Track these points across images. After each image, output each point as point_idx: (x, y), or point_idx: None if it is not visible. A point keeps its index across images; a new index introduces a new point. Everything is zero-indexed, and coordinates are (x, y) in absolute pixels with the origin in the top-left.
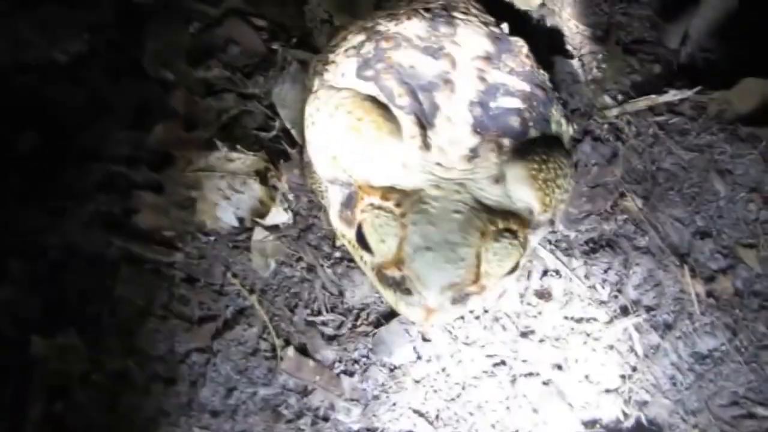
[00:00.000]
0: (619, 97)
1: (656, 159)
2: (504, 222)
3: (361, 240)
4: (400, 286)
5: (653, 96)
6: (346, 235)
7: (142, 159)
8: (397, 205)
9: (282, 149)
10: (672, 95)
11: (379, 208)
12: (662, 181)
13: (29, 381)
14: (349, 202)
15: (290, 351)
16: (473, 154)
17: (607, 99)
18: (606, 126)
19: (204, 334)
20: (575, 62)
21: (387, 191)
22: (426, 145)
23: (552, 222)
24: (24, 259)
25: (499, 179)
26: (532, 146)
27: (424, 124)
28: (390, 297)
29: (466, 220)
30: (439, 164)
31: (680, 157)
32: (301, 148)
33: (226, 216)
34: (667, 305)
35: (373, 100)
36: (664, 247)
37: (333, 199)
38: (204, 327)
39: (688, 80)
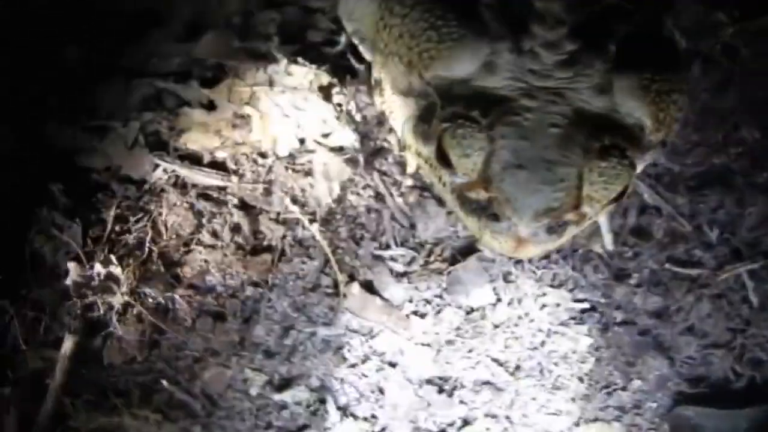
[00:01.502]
0: (736, 13)
1: None
2: (611, 138)
3: (442, 155)
4: (486, 211)
5: None
6: (423, 153)
7: (192, 74)
8: (484, 114)
9: (348, 65)
10: None
11: (464, 117)
12: None
13: (65, 313)
14: (427, 115)
15: (355, 288)
16: (574, 59)
17: (722, 16)
18: (719, 46)
19: (259, 265)
20: None
21: (472, 99)
22: (517, 48)
23: (664, 144)
24: (64, 181)
25: (604, 89)
26: (643, 53)
27: (516, 25)
28: (473, 224)
29: (565, 134)
30: (532, 71)
31: None
32: (369, 64)
33: (286, 136)
34: None
35: None
36: None
37: (407, 113)
38: (259, 258)
39: None
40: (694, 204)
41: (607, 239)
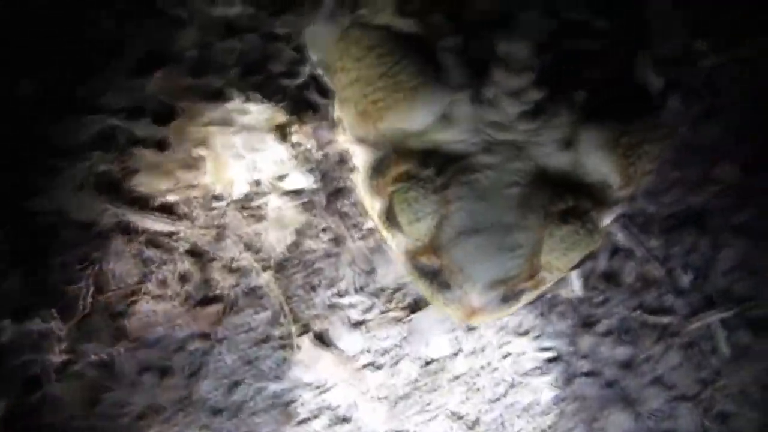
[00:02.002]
0: (718, 41)
1: (761, 119)
2: (574, 199)
3: (392, 217)
4: (438, 278)
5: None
6: (375, 208)
7: (144, 110)
8: (438, 173)
9: (309, 99)
10: None
11: (415, 177)
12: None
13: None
14: (381, 168)
15: (307, 339)
16: (539, 109)
17: (702, 45)
18: (701, 77)
19: (208, 317)
20: None
21: (426, 156)
22: (478, 98)
23: (633, 198)
24: (7, 226)
25: (569, 143)
26: (613, 102)
27: (477, 71)
28: (425, 289)
29: (525, 195)
30: (494, 123)
31: None
32: (333, 98)
33: (240, 178)
34: (764, 297)
35: (414, 40)
36: (766, 226)
37: (361, 162)
38: (207, 309)
39: None
40: (668, 246)
41: (576, 284)
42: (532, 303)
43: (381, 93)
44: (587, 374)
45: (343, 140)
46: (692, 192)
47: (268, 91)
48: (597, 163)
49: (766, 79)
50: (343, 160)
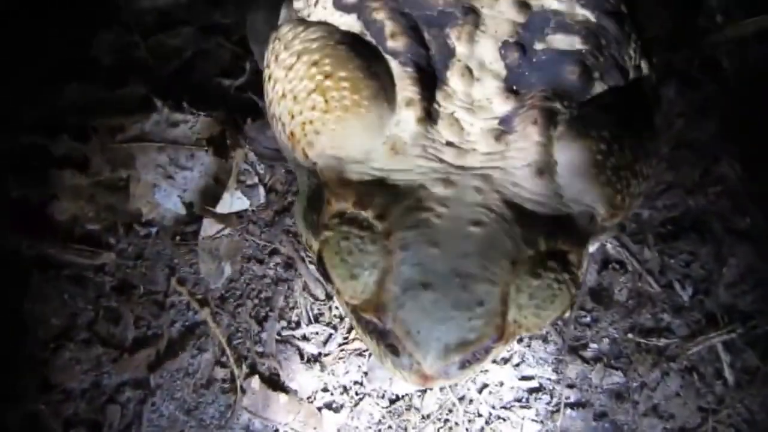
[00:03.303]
0: (719, 17)
1: (763, 110)
2: (549, 241)
3: (322, 268)
4: (384, 339)
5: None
6: (313, 248)
7: (61, 126)
8: (380, 216)
9: (251, 102)
10: None
11: (352, 221)
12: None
13: None
14: (316, 202)
15: (255, 381)
16: (505, 127)
17: (701, 21)
18: (698, 61)
19: (140, 362)
20: None
21: (365, 193)
22: (430, 116)
23: (623, 227)
24: None
25: (544, 169)
26: (596, 112)
27: (430, 80)
28: (372, 348)
29: (489, 238)
30: (450, 145)
31: None
32: None
33: (169, 201)
34: None
35: (354, 42)
36: None
37: (300, 189)
38: (140, 353)
39: None
40: (665, 257)
41: None
42: None
43: (311, 113)
44: (574, 406)
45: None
46: (690, 194)
47: (203, 96)
48: (579, 191)
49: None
50: (290, 172)
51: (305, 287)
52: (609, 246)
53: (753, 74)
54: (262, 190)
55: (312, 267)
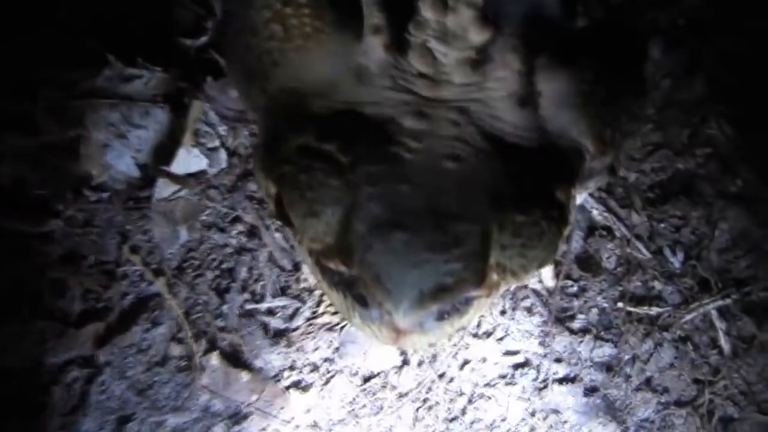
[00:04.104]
0: None
1: (756, 69)
2: (534, 175)
3: (281, 210)
4: (352, 290)
5: None
6: (271, 195)
7: (4, 83)
8: (344, 149)
9: (213, 62)
10: None
11: (312, 154)
12: (763, 100)
13: None
14: (273, 143)
15: (215, 357)
16: (482, 56)
17: None
18: (683, 20)
19: (87, 337)
20: None
21: (328, 125)
22: (400, 45)
23: (613, 170)
24: None
25: (526, 100)
26: (581, 43)
27: (399, 8)
28: (337, 304)
29: (466, 172)
30: (423, 76)
31: None
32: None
33: (121, 163)
34: (766, 279)
35: None
36: (765, 194)
37: (259, 136)
38: (88, 328)
39: None
40: (654, 222)
41: (546, 272)
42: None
43: (269, 43)
44: (563, 381)
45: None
46: (679, 156)
47: (160, 54)
48: (563, 124)
49: (755, 25)
50: (255, 135)
51: (270, 258)
52: (595, 212)
53: (739, 33)
54: (223, 154)
55: (278, 236)
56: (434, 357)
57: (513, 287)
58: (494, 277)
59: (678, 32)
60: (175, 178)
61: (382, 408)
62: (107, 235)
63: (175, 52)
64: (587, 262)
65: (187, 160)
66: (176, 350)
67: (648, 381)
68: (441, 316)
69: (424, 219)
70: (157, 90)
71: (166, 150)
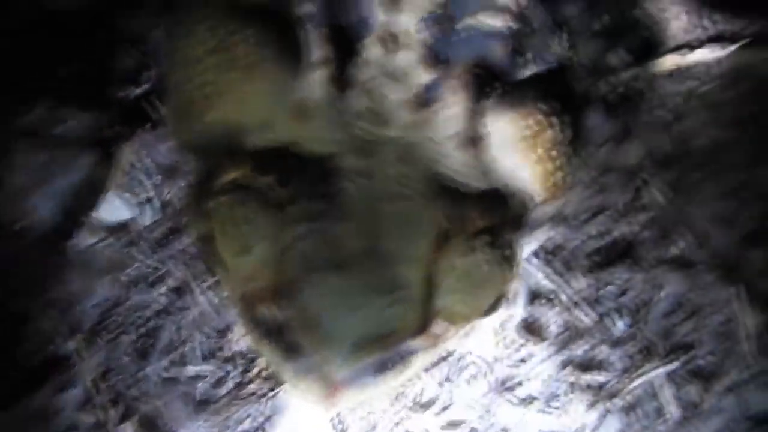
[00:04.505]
0: (628, 57)
1: (687, 136)
2: (480, 217)
3: (210, 248)
4: (281, 337)
5: (679, 54)
6: (201, 235)
7: None
8: (281, 183)
9: (150, 111)
10: (705, 53)
11: (246, 188)
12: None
13: None
14: (205, 180)
15: (131, 426)
16: (428, 96)
17: (614, 59)
18: (621, 90)
19: None
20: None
21: (265, 159)
22: (343, 81)
23: (561, 217)
24: None
25: (473, 141)
26: (527, 89)
27: (345, 45)
28: (267, 354)
29: (409, 213)
30: (367, 113)
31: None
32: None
33: (44, 206)
34: (710, 343)
35: (260, 8)
36: (704, 258)
37: (193, 174)
38: None
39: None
40: (597, 287)
41: (488, 338)
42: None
43: (210, 74)
44: None
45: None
46: (618, 222)
47: (98, 98)
48: (511, 167)
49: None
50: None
51: (200, 318)
52: (539, 276)
53: (671, 106)
54: (157, 205)
55: (210, 295)
56: (372, 429)
57: (454, 346)
58: (438, 324)
59: (615, 100)
60: (98, 227)
61: None
62: (21, 284)
63: (113, 97)
64: (531, 328)
65: (116, 208)
66: (86, 418)
67: None
68: (381, 368)
69: (363, 261)
70: (89, 134)
71: (91, 197)
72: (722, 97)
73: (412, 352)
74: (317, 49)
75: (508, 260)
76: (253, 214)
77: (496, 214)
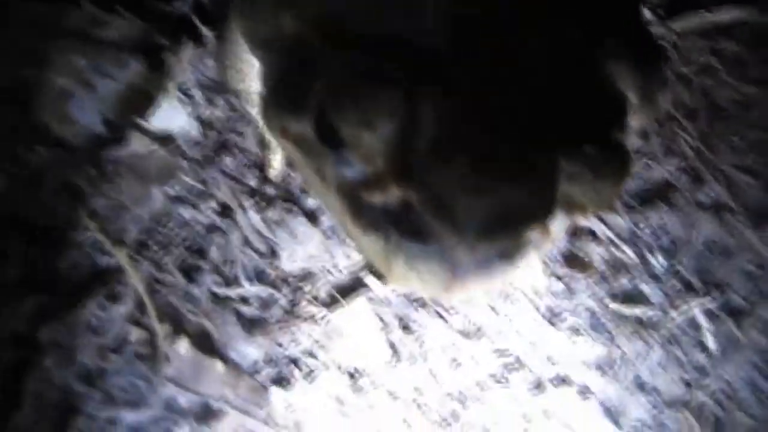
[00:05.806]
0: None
1: (712, 93)
2: (598, 112)
3: (326, 128)
4: (399, 224)
5: (703, 13)
6: (292, 130)
7: None
8: (406, 66)
9: (192, 28)
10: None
11: (369, 69)
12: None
13: None
14: (300, 75)
15: (183, 345)
16: None
17: (647, 13)
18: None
19: (25, 312)
20: None
21: (384, 46)
22: None
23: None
24: None
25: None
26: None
27: None
28: (376, 247)
29: (537, 99)
30: None
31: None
32: (223, 29)
33: (86, 115)
34: (742, 284)
35: None
36: (732, 204)
37: (268, 77)
38: (27, 302)
39: None
40: (635, 225)
41: (535, 270)
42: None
43: None
44: (555, 382)
45: (237, 79)
46: (655, 164)
47: (141, 7)
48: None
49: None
50: (233, 109)
51: (245, 240)
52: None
53: (694, 63)
54: (197, 125)
55: (254, 217)
56: (424, 356)
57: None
58: (558, 213)
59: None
60: (145, 136)
61: (371, 407)
62: (59, 197)
63: (156, 10)
64: (574, 260)
65: (167, 118)
66: (135, 333)
67: (639, 382)
68: (504, 255)
69: (493, 142)
70: (135, 40)
71: (139, 104)
72: (746, 57)
73: (527, 243)
74: None
75: (625, 155)
76: (378, 90)
77: (607, 113)
